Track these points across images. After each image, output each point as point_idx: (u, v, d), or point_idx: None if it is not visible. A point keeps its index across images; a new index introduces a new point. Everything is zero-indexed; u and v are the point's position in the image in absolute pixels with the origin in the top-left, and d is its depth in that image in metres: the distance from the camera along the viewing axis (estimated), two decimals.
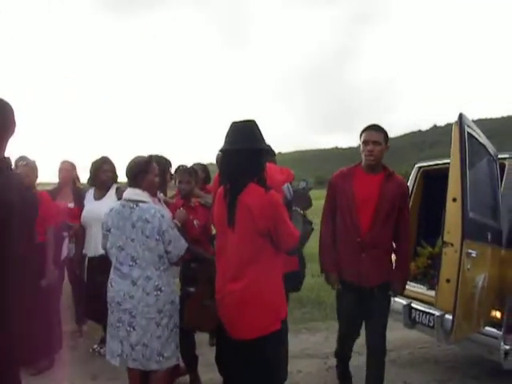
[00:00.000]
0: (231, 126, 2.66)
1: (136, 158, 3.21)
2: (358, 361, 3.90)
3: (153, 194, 3.35)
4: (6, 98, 1.94)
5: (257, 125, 2.66)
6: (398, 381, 3.91)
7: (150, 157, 3.33)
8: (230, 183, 2.64)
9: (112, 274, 3.08)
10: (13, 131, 1.96)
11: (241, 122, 2.66)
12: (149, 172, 3.17)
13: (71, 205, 4.60)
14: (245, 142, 2.59)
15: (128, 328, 2.97)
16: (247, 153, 2.59)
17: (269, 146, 2.72)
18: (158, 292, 2.99)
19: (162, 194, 3.95)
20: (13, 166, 2.98)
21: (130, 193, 3.12)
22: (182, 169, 3.93)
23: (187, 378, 3.80)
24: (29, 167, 4.18)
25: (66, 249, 4.57)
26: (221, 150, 2.71)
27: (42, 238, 4.03)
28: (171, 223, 3.15)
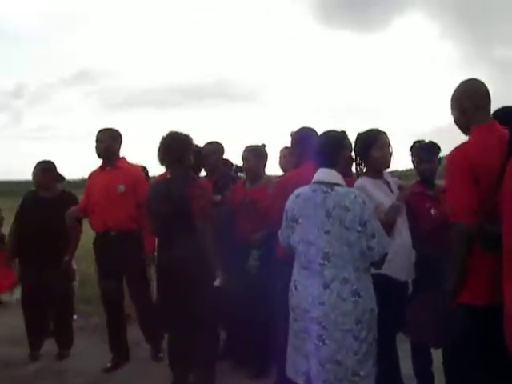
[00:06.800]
0: None
1: (330, 131, 2.68)
2: None
3: (346, 174, 2.68)
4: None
5: None
6: None
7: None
8: None
9: (296, 275, 2.55)
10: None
11: None
12: (345, 148, 2.65)
13: None
14: None
15: (316, 342, 2.41)
16: None
17: None
18: (357, 298, 2.38)
19: (396, 179, 3.33)
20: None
21: (323, 174, 2.53)
22: (417, 146, 3.36)
23: None
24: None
25: None
26: None
27: None
28: (373, 213, 2.49)
